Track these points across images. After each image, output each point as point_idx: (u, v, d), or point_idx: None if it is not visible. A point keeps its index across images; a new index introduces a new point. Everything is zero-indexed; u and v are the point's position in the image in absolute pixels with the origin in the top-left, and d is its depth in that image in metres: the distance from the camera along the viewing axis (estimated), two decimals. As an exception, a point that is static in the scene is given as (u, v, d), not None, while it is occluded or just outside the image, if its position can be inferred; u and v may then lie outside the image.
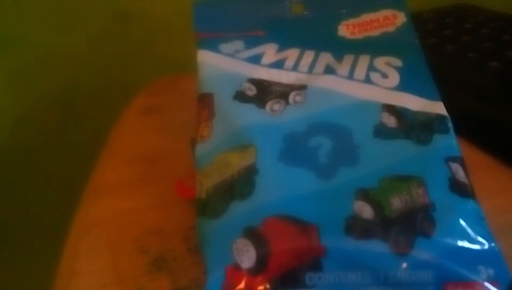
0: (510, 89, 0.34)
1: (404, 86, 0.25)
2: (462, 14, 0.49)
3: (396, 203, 0.20)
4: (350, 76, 0.26)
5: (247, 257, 0.19)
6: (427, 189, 0.20)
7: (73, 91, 0.57)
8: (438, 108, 0.24)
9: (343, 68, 0.26)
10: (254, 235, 0.19)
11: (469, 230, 0.19)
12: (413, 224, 0.19)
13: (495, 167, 0.32)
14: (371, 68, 0.26)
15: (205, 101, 0.25)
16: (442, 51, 0.40)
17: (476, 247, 0.19)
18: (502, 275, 0.18)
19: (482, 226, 0.20)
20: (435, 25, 0.46)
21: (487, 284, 0.18)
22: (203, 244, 0.20)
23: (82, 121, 0.59)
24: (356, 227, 0.19)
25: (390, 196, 0.20)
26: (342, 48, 0.28)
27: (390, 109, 0.24)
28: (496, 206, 0.26)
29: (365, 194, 0.20)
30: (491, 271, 0.18)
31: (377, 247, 0.19)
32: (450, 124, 0.23)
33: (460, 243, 0.19)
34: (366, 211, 0.20)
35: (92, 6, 0.53)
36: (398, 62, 0.26)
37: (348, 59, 0.27)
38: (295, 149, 0.22)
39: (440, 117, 0.23)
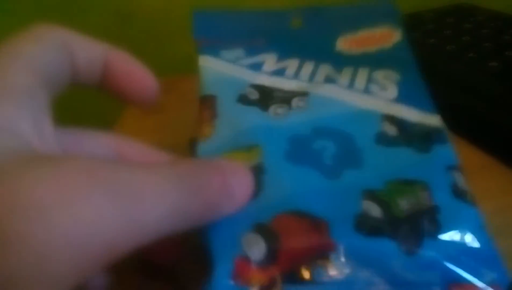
0: (510, 89, 0.34)
1: (402, 99, 0.25)
2: (462, 14, 0.49)
3: (403, 204, 0.20)
4: (351, 86, 0.26)
5: (257, 249, 0.19)
6: (431, 193, 0.20)
7: (72, 90, 0.57)
8: (435, 120, 0.24)
9: (343, 78, 0.26)
10: (264, 229, 0.19)
11: (471, 235, 0.19)
12: (419, 225, 0.19)
13: (495, 167, 0.32)
14: (371, 80, 0.26)
15: (207, 103, 0.25)
16: (442, 51, 0.40)
17: (477, 251, 0.19)
18: (502, 278, 0.19)
19: (483, 231, 0.20)
20: (435, 25, 0.46)
21: (488, 287, 0.18)
22: (210, 238, 0.20)
23: (82, 121, 0.59)
24: (366, 224, 0.19)
25: (397, 197, 0.20)
26: (341, 61, 0.28)
27: (390, 119, 0.24)
28: (496, 206, 0.26)
29: (372, 195, 0.20)
30: (492, 275, 0.19)
31: (386, 245, 0.19)
32: (446, 135, 0.23)
33: (462, 247, 0.19)
34: (374, 210, 0.20)
35: (92, 6, 0.53)
36: (395, 77, 0.27)
37: (348, 71, 0.27)
38: (300, 150, 0.22)
39: (437, 129, 0.24)
